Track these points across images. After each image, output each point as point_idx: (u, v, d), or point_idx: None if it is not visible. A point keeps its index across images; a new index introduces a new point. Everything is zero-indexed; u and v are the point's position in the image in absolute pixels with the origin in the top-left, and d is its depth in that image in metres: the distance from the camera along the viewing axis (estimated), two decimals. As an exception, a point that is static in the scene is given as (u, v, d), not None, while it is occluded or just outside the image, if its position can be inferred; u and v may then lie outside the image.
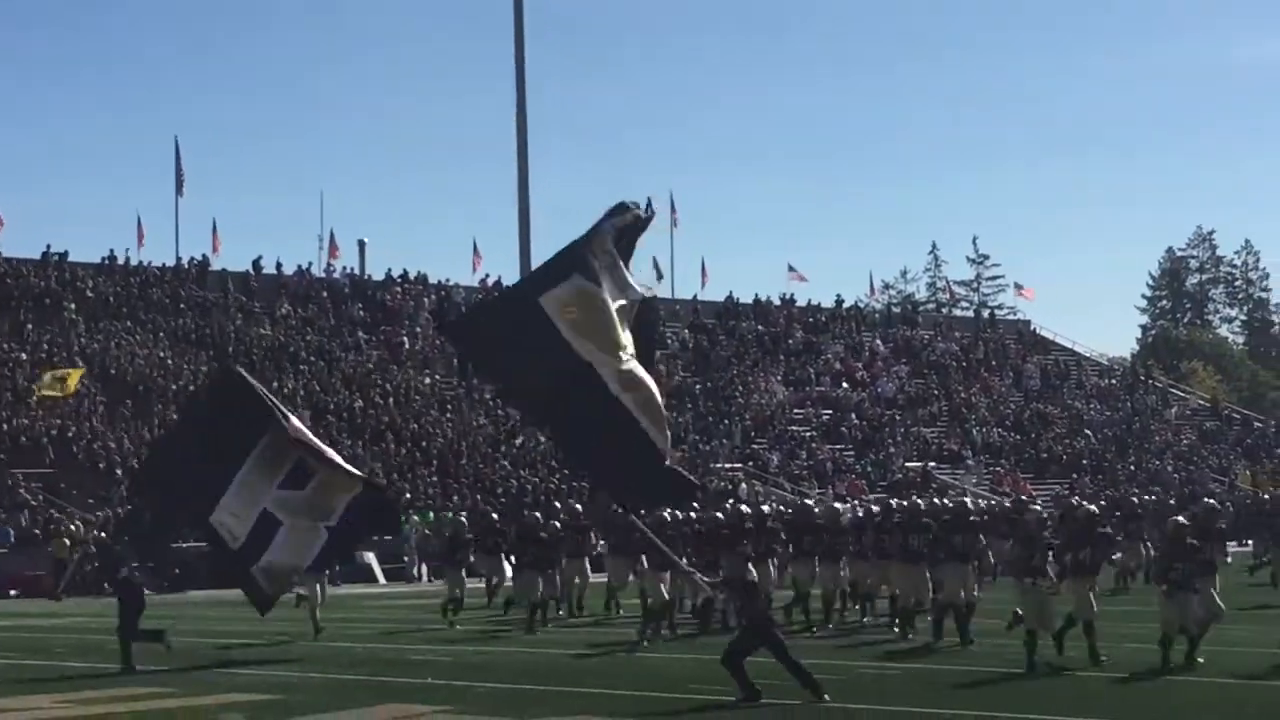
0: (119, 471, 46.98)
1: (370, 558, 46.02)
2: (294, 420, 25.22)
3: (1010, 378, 77.42)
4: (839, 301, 79.37)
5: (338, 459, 25.68)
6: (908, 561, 24.47)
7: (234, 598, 37.76)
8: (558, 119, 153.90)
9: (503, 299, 23.05)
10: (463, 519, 33.07)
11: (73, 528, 43.56)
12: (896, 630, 24.96)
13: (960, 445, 66.95)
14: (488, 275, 69.20)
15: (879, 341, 76.80)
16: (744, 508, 29.57)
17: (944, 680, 19.25)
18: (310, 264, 66.53)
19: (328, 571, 29.16)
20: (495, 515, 35.67)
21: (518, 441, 55.58)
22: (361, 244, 69.99)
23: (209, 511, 23.87)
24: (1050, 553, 20.87)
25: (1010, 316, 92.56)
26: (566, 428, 20.64)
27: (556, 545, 29.69)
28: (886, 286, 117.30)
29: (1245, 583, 33.80)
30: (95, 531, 42.85)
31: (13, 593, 42.27)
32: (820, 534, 27.31)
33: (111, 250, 61.45)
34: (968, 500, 30.58)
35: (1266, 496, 43.69)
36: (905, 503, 28.82)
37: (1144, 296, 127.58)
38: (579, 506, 37.22)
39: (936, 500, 30.54)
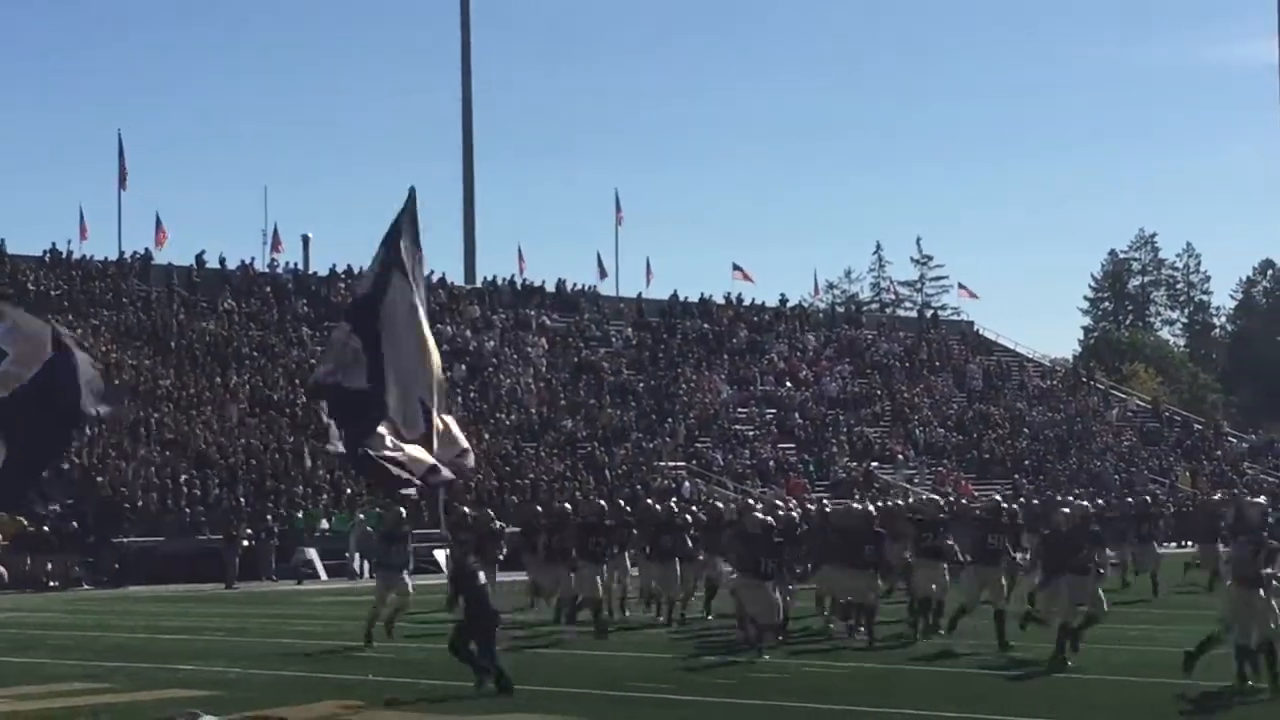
0: (65, 466, 46.53)
1: (312, 553, 45.86)
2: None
3: (953, 378, 77.75)
4: (783, 301, 79.50)
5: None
6: (982, 562, 23.71)
7: (175, 593, 37.66)
8: (503, 116, 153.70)
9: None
10: (486, 514, 31.55)
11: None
12: (942, 632, 24.29)
13: (903, 445, 67.23)
14: (432, 272, 69.03)
15: (812, 339, 76.82)
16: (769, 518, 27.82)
17: (902, 680, 19.33)
18: (254, 259, 66.22)
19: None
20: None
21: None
22: (305, 239, 69.88)
23: None
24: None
25: (953, 317, 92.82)
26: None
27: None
28: (831, 286, 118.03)
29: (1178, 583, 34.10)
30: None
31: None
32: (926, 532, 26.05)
33: (54, 244, 61.16)
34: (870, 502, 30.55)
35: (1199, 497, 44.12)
36: (982, 501, 28.32)
37: (1086, 298, 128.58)
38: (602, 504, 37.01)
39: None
